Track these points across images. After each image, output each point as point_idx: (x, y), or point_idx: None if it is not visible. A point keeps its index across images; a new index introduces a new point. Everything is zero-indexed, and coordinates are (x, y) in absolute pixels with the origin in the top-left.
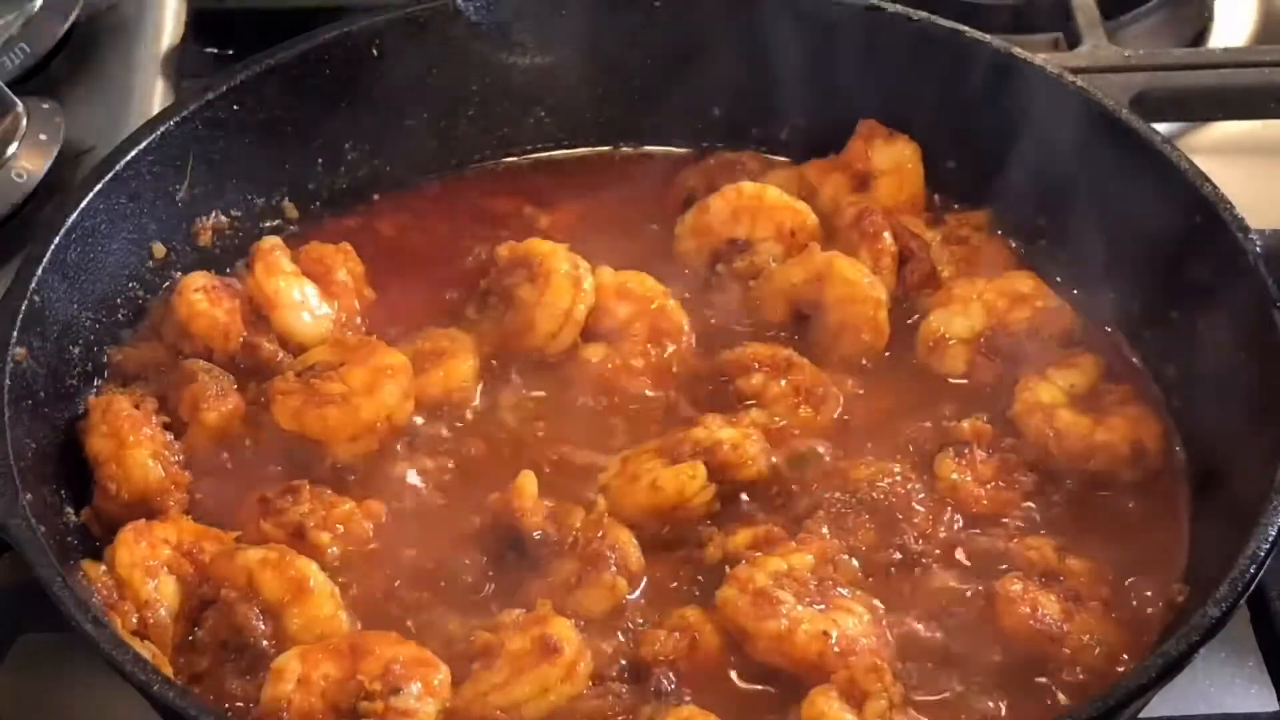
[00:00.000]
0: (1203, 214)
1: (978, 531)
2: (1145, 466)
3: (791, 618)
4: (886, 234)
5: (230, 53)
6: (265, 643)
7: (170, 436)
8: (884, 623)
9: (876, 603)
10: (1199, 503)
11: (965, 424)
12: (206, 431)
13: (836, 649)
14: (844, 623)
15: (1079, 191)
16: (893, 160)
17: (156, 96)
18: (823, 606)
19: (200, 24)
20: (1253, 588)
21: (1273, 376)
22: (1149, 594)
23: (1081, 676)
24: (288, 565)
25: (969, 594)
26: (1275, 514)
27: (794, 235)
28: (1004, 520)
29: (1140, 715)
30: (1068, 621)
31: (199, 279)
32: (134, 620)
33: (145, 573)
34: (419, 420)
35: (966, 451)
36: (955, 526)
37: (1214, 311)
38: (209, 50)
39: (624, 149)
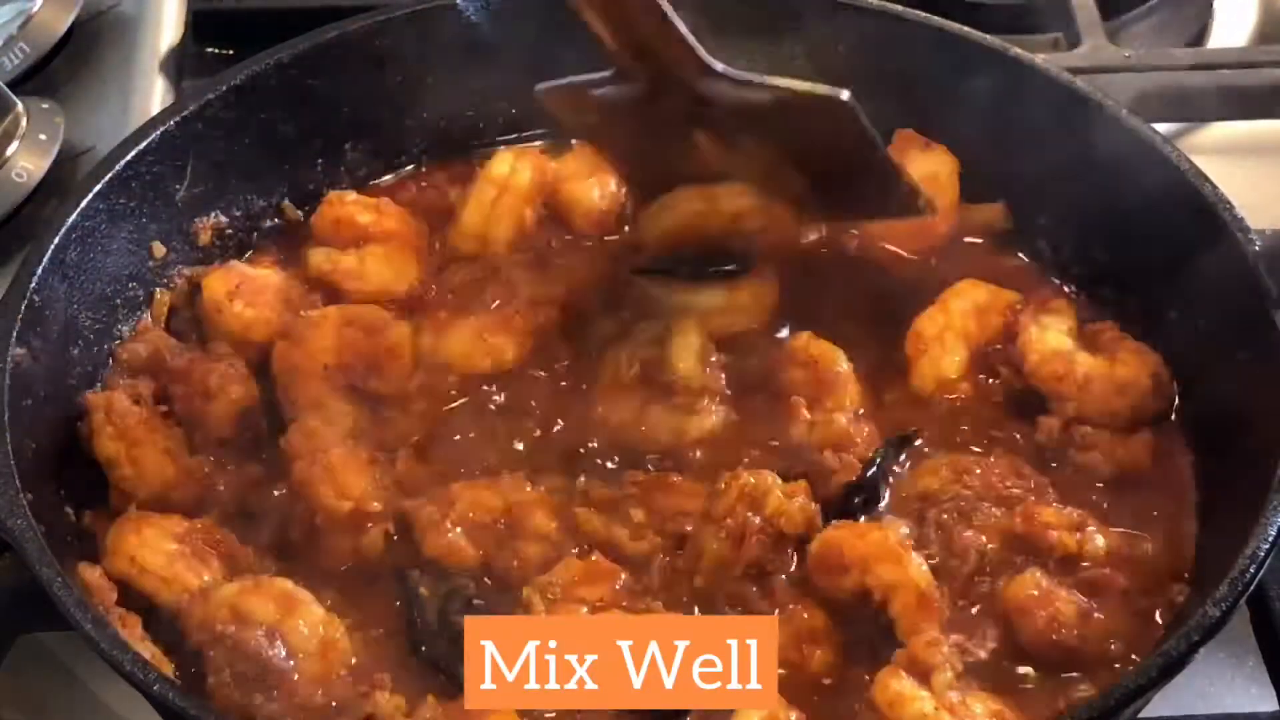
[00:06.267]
0: (1203, 214)
1: (993, 517)
2: (1165, 396)
3: None
4: None
5: (230, 53)
6: (281, 655)
7: (179, 429)
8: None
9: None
10: (1199, 502)
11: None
12: (219, 421)
13: None
14: None
15: (1078, 191)
16: (928, 171)
17: (156, 96)
18: None
19: (200, 24)
20: (1253, 588)
21: (1273, 376)
22: (1149, 594)
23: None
24: (266, 586)
25: (984, 588)
26: (1275, 514)
27: None
28: (1015, 506)
29: (1140, 715)
30: (1085, 624)
31: (229, 278)
32: None
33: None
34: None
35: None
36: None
37: (1214, 311)
38: (209, 50)
39: None
